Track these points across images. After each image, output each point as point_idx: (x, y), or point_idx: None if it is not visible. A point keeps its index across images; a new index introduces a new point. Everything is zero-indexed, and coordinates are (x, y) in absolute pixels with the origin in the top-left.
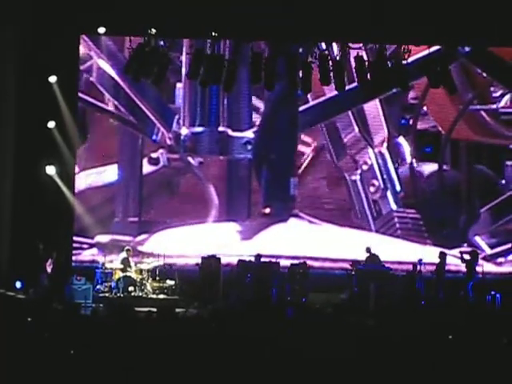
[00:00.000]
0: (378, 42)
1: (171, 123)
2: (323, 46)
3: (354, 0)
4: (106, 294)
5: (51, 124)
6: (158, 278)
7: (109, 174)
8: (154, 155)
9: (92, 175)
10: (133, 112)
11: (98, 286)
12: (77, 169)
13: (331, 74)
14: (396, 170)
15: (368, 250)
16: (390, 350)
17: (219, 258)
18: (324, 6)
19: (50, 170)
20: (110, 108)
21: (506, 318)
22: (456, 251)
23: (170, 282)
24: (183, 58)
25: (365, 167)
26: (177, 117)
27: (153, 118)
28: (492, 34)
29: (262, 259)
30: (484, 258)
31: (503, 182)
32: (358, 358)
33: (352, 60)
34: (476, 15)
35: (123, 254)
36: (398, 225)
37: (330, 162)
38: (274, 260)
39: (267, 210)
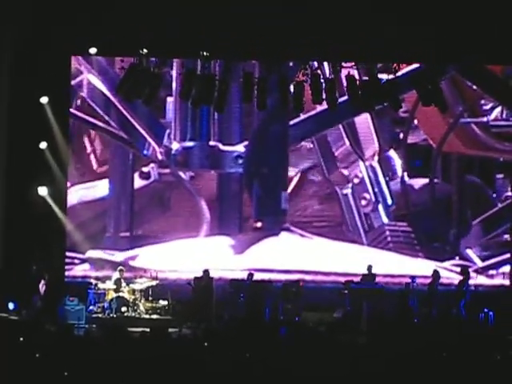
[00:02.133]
0: (369, 61)
1: (162, 138)
2: (315, 64)
3: (345, 19)
4: (99, 315)
5: (43, 145)
6: (150, 299)
7: (100, 188)
8: (145, 170)
9: (83, 190)
10: (124, 127)
11: (90, 307)
12: (68, 184)
13: (323, 93)
14: (387, 183)
15: (369, 268)
16: (383, 368)
17: (212, 278)
18: (315, 25)
19: (42, 190)
20: (101, 123)
21: (499, 336)
22: (448, 264)
23: (162, 302)
24: (174, 72)
25: (356, 181)
26: (168, 131)
27: (144, 132)
28: (481, 52)
29: (255, 276)
30: (476, 271)
31: (494, 194)
32: (352, 376)
33: (343, 78)
34: (466, 34)
35: (116, 275)
36: (389, 238)
37: (319, 179)
38: (266, 279)
39: (259, 224)
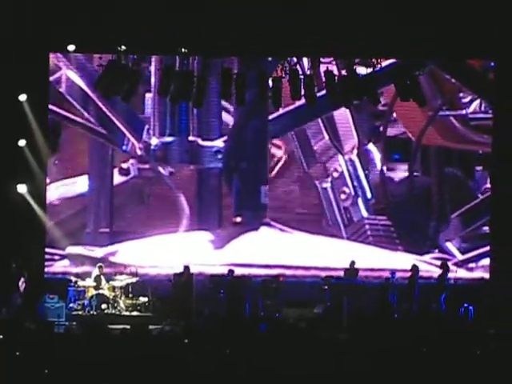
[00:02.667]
0: (348, 56)
1: (141, 133)
2: (294, 60)
3: (324, 15)
4: (79, 312)
5: (22, 142)
6: (130, 295)
7: (79, 185)
8: (124, 165)
9: (62, 186)
10: (102, 122)
11: (70, 304)
12: (48, 180)
13: (301, 89)
14: (366, 176)
15: (352, 263)
16: (363, 364)
17: (192, 274)
18: (294, 21)
19: (22, 188)
20: (80, 119)
21: (479, 331)
22: (427, 257)
23: (143, 299)
24: (152, 68)
25: (335, 174)
26: (147, 127)
27: (123, 128)
28: (459, 48)
29: (235, 271)
30: (455, 264)
31: (474, 187)
32: (332, 373)
33: (322, 74)
34: (444, 29)
35: (95, 271)
36: (369, 232)
37: (300, 170)
38: (246, 274)
39: (238, 219)
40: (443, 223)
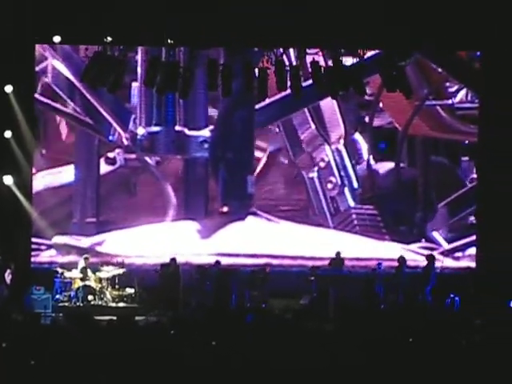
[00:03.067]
0: (334, 47)
1: (127, 123)
2: (280, 50)
3: (309, 5)
4: (66, 304)
5: (8, 134)
6: (117, 287)
7: (65, 174)
8: (110, 155)
9: (49, 176)
10: (89, 112)
11: (57, 296)
12: (34, 170)
13: (287, 80)
14: (353, 166)
15: (337, 254)
16: (350, 355)
17: (178, 265)
18: (280, 12)
19: (7, 179)
20: (66, 109)
21: (465, 321)
22: (414, 246)
23: (129, 290)
24: (138, 57)
25: (322, 164)
26: (133, 116)
27: (109, 118)
28: (446, 38)
29: (222, 261)
30: (442, 253)
31: (461, 174)
32: (318, 363)
33: (308, 64)
34: (430, 20)
35: (81, 263)
36: (355, 221)
37: (286, 162)
38: (233, 265)
39: (225, 209)
40: (430, 213)
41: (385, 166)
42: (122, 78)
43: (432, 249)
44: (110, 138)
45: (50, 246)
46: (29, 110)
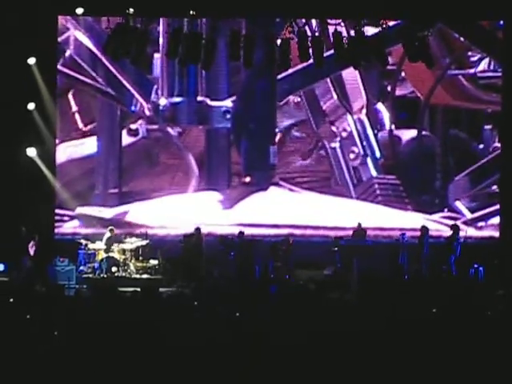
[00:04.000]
0: (356, 17)
1: (149, 94)
2: (302, 21)
3: None
4: (90, 275)
5: (31, 106)
6: (141, 258)
7: (88, 146)
8: (132, 126)
9: (71, 147)
10: (111, 83)
11: (81, 267)
12: (56, 141)
13: (310, 50)
14: (375, 136)
15: (359, 225)
16: (373, 326)
17: (201, 236)
18: None
19: (31, 151)
20: (89, 80)
21: (489, 292)
22: (437, 216)
23: (153, 262)
24: (160, 28)
25: (344, 134)
26: (155, 87)
27: (131, 88)
28: (468, 8)
29: (244, 231)
30: (465, 223)
31: (481, 146)
32: (341, 335)
33: (330, 35)
34: None
35: (107, 234)
36: (378, 191)
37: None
38: (256, 237)
39: (247, 179)
40: (449, 182)
41: (407, 135)
42: (144, 49)
43: (455, 218)
44: (133, 108)
45: (72, 217)
46: (52, 82)
